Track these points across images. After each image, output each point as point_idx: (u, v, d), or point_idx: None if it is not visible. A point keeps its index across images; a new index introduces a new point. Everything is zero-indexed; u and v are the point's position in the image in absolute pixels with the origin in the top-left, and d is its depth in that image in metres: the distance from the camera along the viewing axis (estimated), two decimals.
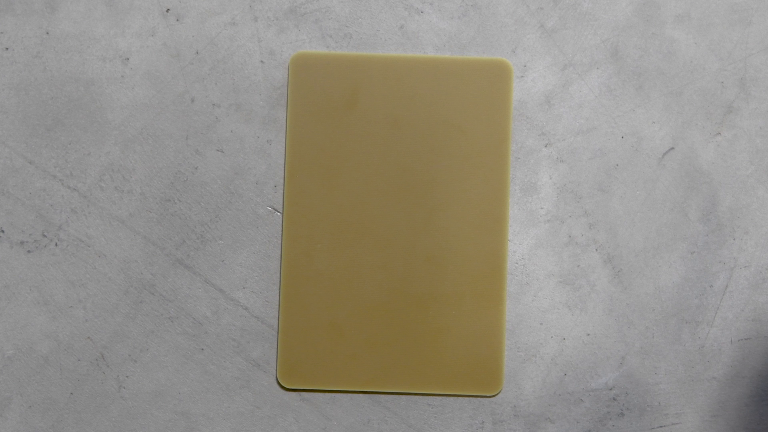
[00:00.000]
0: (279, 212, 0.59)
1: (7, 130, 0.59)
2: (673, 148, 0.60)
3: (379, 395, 0.59)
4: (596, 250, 0.59)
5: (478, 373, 0.58)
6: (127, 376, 0.58)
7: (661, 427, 0.59)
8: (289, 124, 0.58)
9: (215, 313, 0.58)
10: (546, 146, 0.59)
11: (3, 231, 0.58)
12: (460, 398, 0.59)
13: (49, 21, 0.59)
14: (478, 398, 0.59)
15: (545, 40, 0.59)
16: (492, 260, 0.58)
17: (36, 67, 0.59)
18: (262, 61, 0.59)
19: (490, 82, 0.58)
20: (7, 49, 0.59)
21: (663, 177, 0.59)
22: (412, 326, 0.58)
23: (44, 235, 0.58)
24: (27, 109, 0.59)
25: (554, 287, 0.59)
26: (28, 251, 0.58)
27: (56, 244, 0.58)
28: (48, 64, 0.59)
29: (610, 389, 0.59)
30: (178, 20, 0.59)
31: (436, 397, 0.59)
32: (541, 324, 0.59)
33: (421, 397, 0.59)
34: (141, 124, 0.59)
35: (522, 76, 0.59)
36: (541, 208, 0.59)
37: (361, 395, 0.59)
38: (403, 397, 0.59)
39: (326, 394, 0.58)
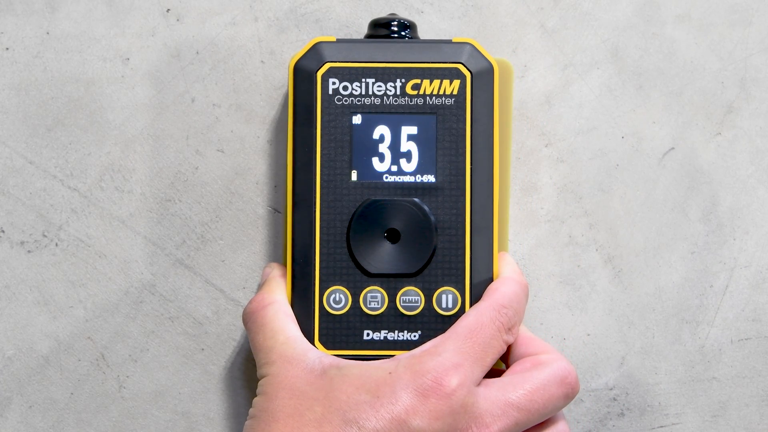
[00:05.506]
0: (279, 212, 0.59)
1: (7, 130, 0.59)
2: (673, 148, 0.60)
3: None
4: (596, 250, 0.59)
5: None
6: (127, 376, 0.58)
7: (661, 427, 0.59)
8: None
9: (216, 313, 0.58)
10: (546, 146, 0.59)
11: (3, 231, 0.58)
12: None
13: (49, 21, 0.59)
14: None
15: (545, 40, 0.59)
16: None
17: (36, 67, 0.59)
18: (262, 62, 0.59)
19: None
20: (7, 49, 0.59)
21: (663, 177, 0.59)
22: None
23: (44, 235, 0.58)
24: (27, 109, 0.59)
25: (554, 287, 0.59)
26: (29, 251, 0.58)
27: (56, 244, 0.58)
28: (48, 64, 0.59)
29: (611, 389, 0.59)
30: (178, 20, 0.59)
31: None
32: (541, 324, 0.59)
33: None
34: (141, 124, 0.59)
35: (522, 76, 0.59)
36: (542, 208, 0.59)
37: None
38: None
39: None
